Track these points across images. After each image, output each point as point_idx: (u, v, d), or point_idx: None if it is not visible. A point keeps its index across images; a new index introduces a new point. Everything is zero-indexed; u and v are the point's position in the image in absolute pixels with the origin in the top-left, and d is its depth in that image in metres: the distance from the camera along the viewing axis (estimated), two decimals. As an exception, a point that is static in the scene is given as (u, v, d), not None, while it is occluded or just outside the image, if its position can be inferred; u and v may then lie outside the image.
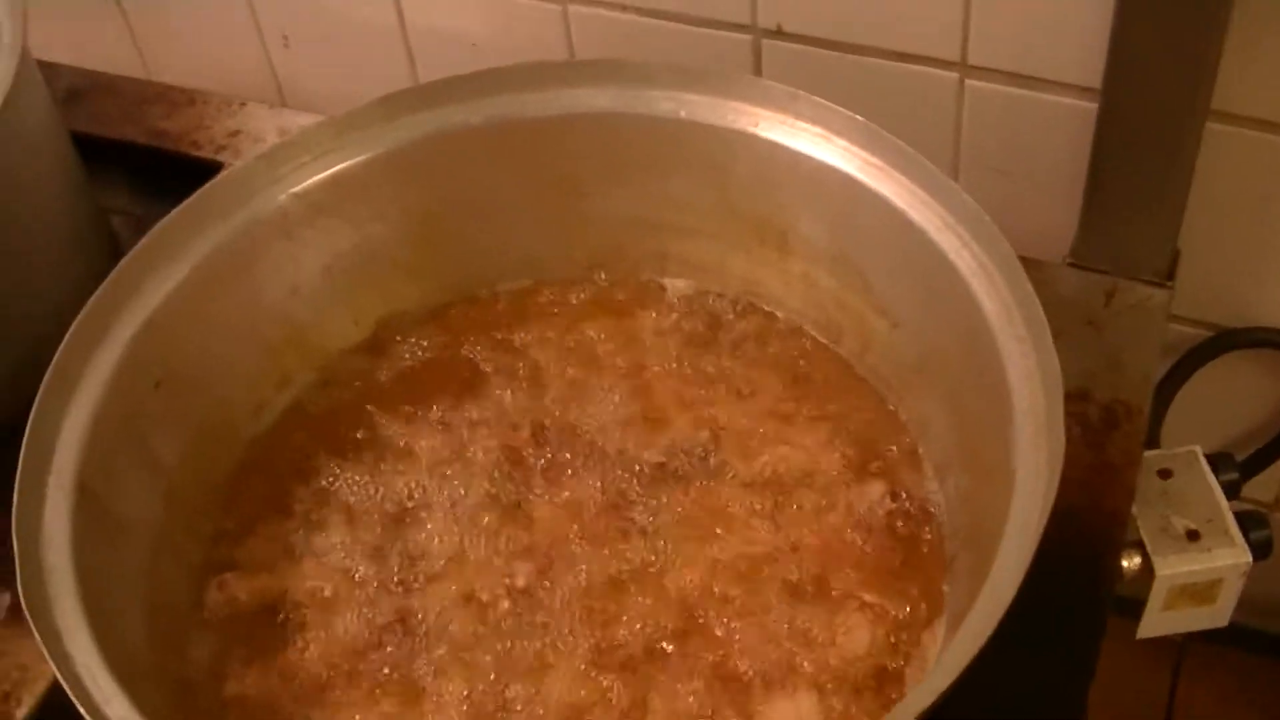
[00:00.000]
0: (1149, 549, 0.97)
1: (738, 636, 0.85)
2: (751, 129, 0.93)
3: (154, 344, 0.89)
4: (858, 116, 0.89)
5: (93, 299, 0.87)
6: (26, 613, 0.75)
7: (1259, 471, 1.15)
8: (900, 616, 0.86)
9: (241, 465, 0.96)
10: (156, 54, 1.28)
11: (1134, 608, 1.00)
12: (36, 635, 0.74)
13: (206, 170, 1.14)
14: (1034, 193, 1.04)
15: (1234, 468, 1.03)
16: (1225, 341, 1.07)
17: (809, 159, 0.92)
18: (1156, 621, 0.99)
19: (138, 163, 1.18)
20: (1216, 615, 1.00)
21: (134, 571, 0.85)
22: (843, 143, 0.91)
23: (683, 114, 0.95)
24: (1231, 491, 1.01)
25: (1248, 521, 0.99)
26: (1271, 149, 0.97)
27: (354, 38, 1.19)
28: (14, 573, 0.76)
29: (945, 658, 0.72)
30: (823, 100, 0.90)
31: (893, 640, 0.85)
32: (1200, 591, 0.98)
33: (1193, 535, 0.98)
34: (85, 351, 0.86)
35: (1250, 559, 0.97)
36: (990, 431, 0.84)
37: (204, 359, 0.93)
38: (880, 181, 0.90)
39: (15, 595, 0.76)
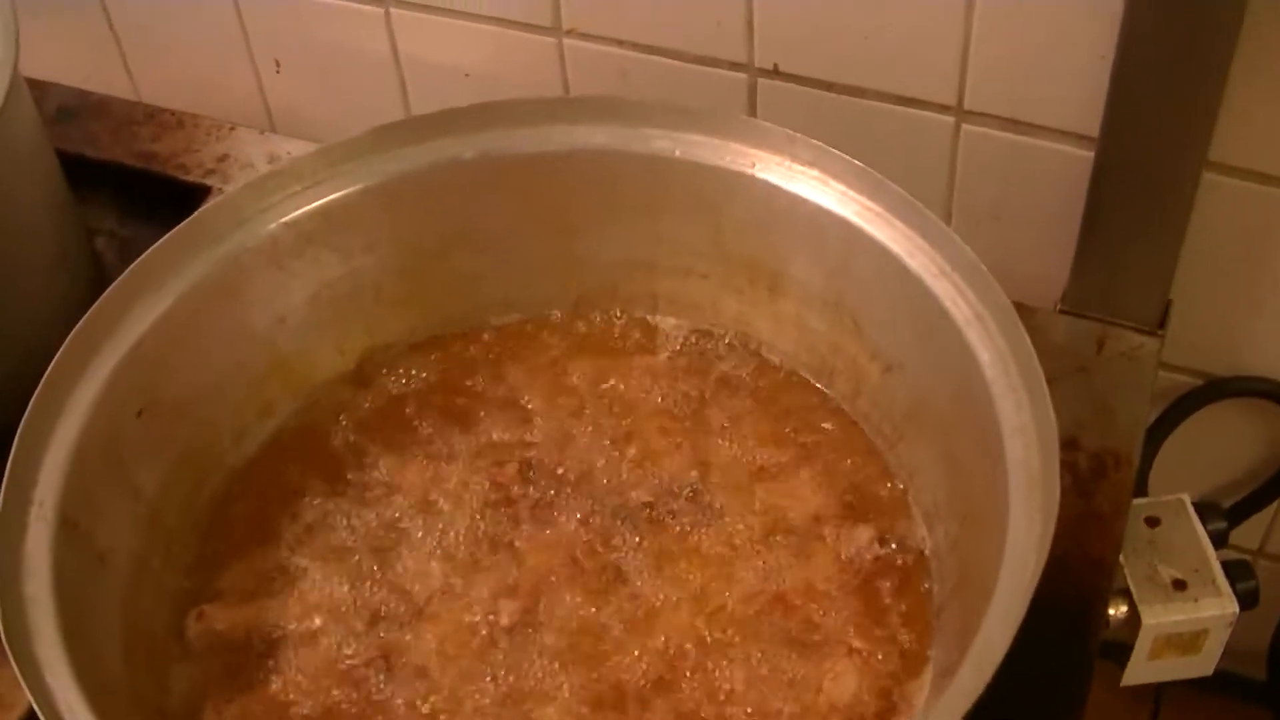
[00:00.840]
0: (1135, 598, 0.97)
1: (725, 681, 0.85)
2: (748, 170, 0.93)
3: (138, 373, 0.88)
4: (856, 161, 0.89)
5: (78, 327, 0.86)
6: (6, 646, 0.74)
7: (1244, 519, 1.15)
8: (888, 664, 0.85)
9: (222, 494, 0.94)
10: (147, 75, 1.27)
11: (1117, 652, 1.00)
12: (16, 669, 0.73)
13: (194, 193, 1.14)
14: (1026, 238, 1.04)
15: (1221, 516, 1.02)
16: (1214, 390, 1.07)
17: (806, 202, 0.92)
18: (1141, 670, 0.99)
19: (125, 184, 1.17)
20: (1201, 664, 1.00)
21: (113, 602, 0.84)
22: (840, 187, 0.91)
23: (678, 153, 0.94)
24: (1219, 540, 1.01)
25: (1235, 571, 0.99)
26: (1264, 200, 0.97)
27: (346, 66, 1.18)
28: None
29: (935, 715, 0.71)
30: (821, 144, 0.90)
31: (880, 688, 0.85)
32: (1186, 641, 0.98)
33: (1179, 585, 0.98)
34: (69, 380, 0.85)
35: (1237, 609, 0.97)
36: (981, 482, 0.84)
37: (187, 388, 0.92)
38: (877, 227, 0.89)
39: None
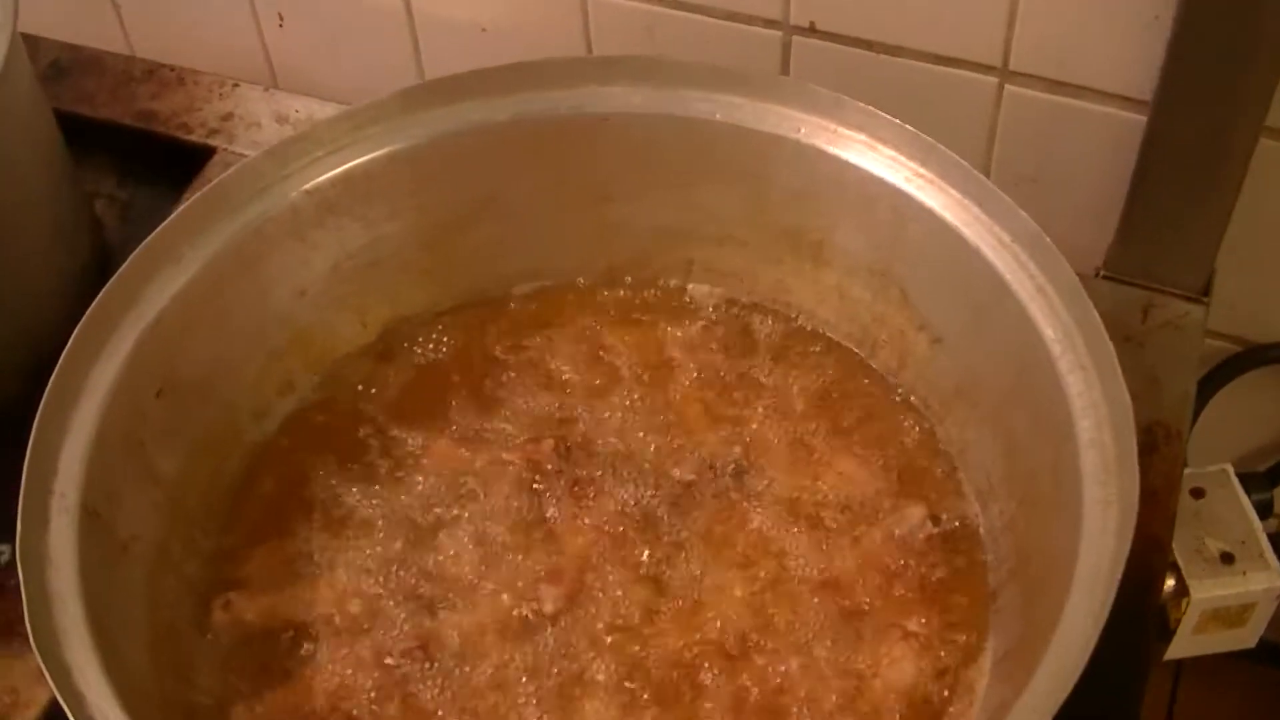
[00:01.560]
0: (1183, 571, 0.95)
1: (779, 666, 0.82)
2: (793, 135, 0.89)
3: (157, 351, 0.84)
4: (908, 126, 0.86)
5: (94, 304, 0.82)
6: (34, 647, 0.70)
7: (1277, 485, 1.13)
8: (945, 648, 0.83)
9: (243, 477, 0.91)
10: (142, 29, 1.21)
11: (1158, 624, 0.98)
12: (46, 674, 0.69)
13: (198, 154, 1.09)
14: (1065, 202, 1.01)
15: (1266, 486, 1.01)
16: (1254, 357, 1.05)
17: (853, 168, 0.88)
18: (1186, 644, 0.98)
19: (124, 144, 1.11)
20: (1246, 636, 0.99)
21: (138, 595, 0.81)
22: (890, 152, 0.87)
23: (719, 117, 0.90)
24: (1264, 510, 0.99)
25: (1282, 543, 0.97)
26: (1315, 165, 0.95)
27: (354, 20, 1.13)
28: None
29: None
30: (870, 107, 0.87)
31: (937, 673, 0.82)
32: (1233, 615, 0.96)
33: (1227, 558, 0.96)
34: (86, 362, 0.81)
35: (1285, 582, 0.96)
36: (1043, 462, 0.82)
37: (207, 365, 0.88)
38: (930, 195, 0.86)
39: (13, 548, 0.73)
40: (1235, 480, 0.99)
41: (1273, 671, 1.09)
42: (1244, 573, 0.96)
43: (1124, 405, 0.75)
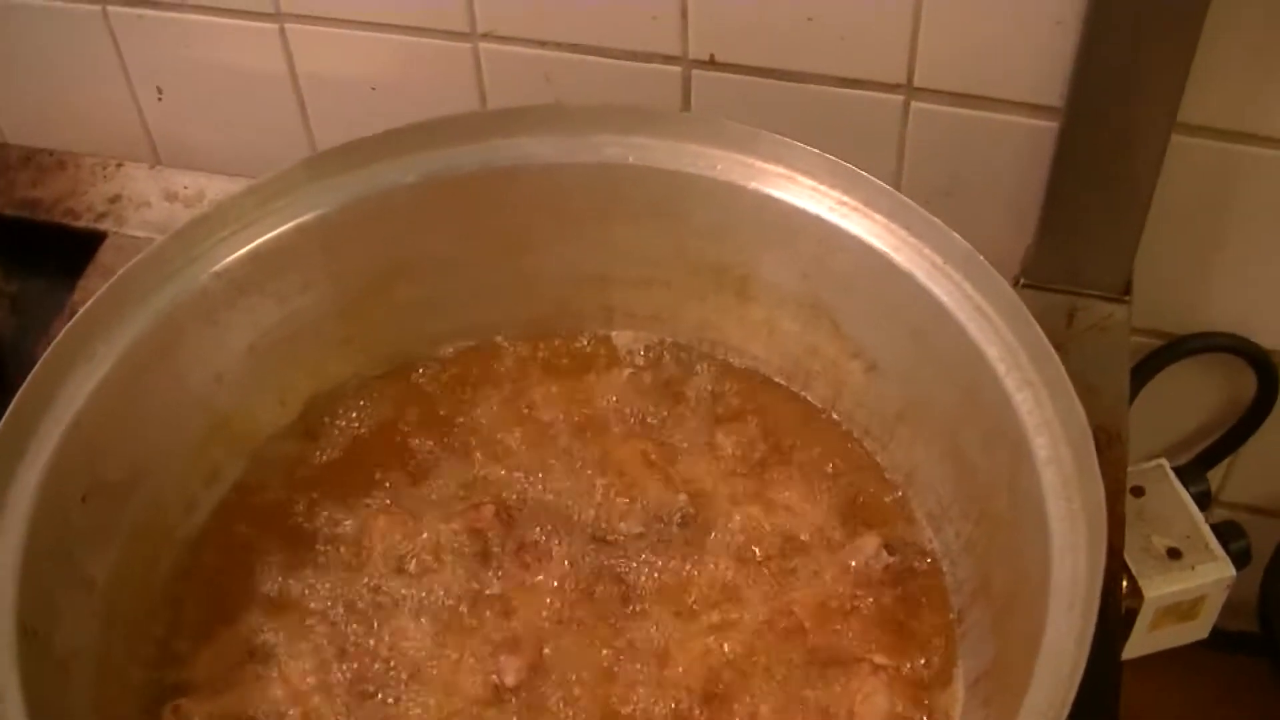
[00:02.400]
0: (1134, 571, 0.95)
1: (753, 714, 0.80)
2: (709, 172, 0.88)
3: (79, 455, 0.79)
4: (828, 155, 0.85)
5: (9, 412, 0.77)
6: (-11, 790, 0.67)
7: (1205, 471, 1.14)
8: (916, 677, 0.82)
9: (178, 573, 0.87)
10: (13, 112, 1.16)
11: (1106, 626, 0.98)
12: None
13: (88, 240, 1.05)
14: (979, 213, 1.00)
15: (1201, 478, 1.01)
16: (1176, 349, 1.05)
17: (774, 200, 0.87)
18: (1141, 642, 0.98)
19: (6, 235, 1.07)
20: (1199, 629, 0.99)
21: (84, 710, 0.76)
22: (810, 182, 0.86)
23: (631, 159, 0.89)
24: (1202, 502, 1.00)
25: (1226, 533, 0.98)
26: (1224, 156, 0.95)
27: (237, 88, 1.09)
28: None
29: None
30: (787, 139, 0.86)
31: (912, 703, 0.81)
32: (1185, 609, 0.97)
33: (1174, 553, 0.97)
34: (5, 474, 0.76)
35: (1233, 572, 0.96)
36: (998, 481, 0.81)
37: (130, 463, 0.84)
38: (855, 223, 0.85)
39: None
40: (1172, 475, 1.00)
41: (1221, 657, 1.10)
42: (1193, 567, 0.96)
43: (1078, 418, 0.75)
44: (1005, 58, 0.93)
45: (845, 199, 0.86)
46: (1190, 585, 0.95)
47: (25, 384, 0.78)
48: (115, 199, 1.07)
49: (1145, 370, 1.05)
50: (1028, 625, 0.73)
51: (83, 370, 0.81)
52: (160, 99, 1.09)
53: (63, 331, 0.81)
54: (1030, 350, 0.78)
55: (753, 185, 0.87)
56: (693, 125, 0.88)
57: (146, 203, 1.06)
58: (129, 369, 0.82)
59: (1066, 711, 0.66)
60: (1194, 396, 1.09)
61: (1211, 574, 0.95)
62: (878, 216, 0.85)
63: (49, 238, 1.07)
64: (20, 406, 0.78)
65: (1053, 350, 0.77)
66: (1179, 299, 1.04)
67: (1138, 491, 0.98)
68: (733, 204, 0.88)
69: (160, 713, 0.81)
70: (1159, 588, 0.94)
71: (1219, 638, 1.03)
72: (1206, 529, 0.97)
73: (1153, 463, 1.00)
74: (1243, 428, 1.08)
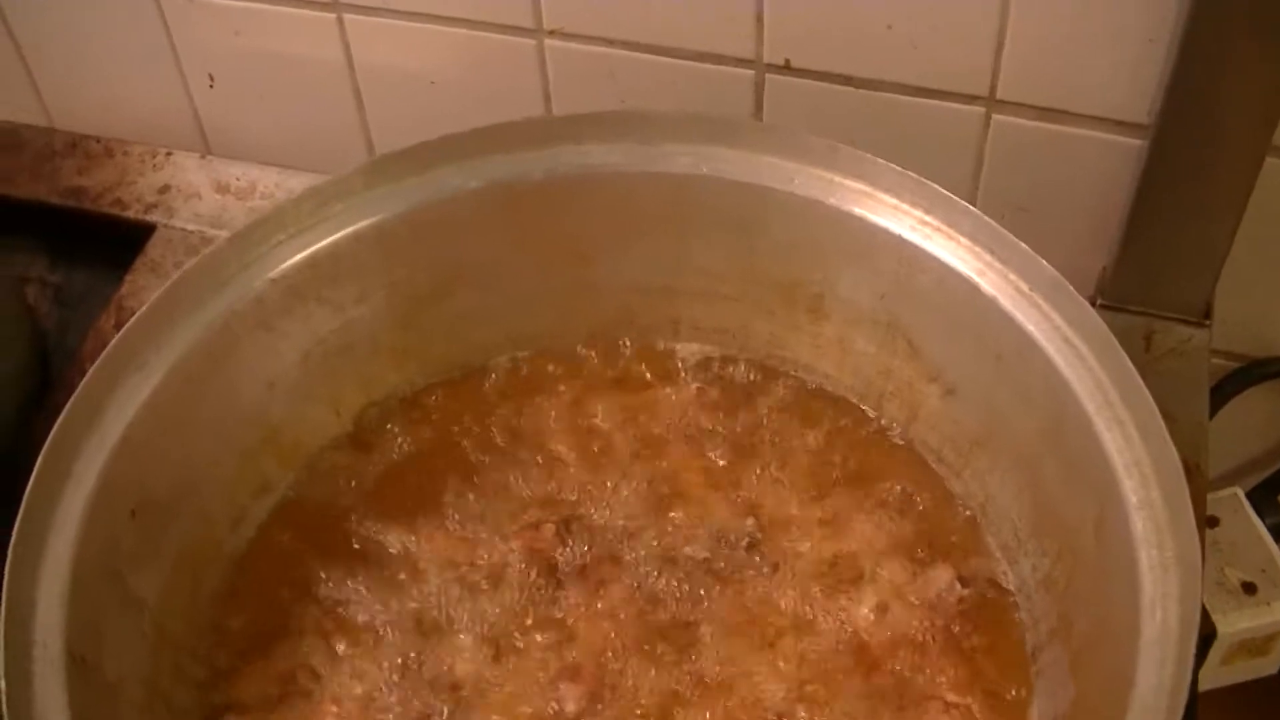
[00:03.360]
0: (1208, 606, 0.92)
1: (821, 750, 0.78)
2: (786, 186, 0.84)
3: (127, 470, 0.77)
4: (910, 172, 0.81)
5: (55, 431, 0.74)
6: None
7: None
8: (988, 716, 0.79)
9: (227, 590, 0.84)
10: (60, 98, 1.13)
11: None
12: None
13: (136, 232, 1.02)
14: (1056, 230, 0.97)
15: (1276, 509, 0.98)
16: (1253, 372, 1.02)
17: (853, 217, 0.84)
18: (1212, 676, 0.95)
19: (52, 224, 1.04)
20: (1271, 664, 0.96)
21: (132, 738, 0.74)
22: (892, 200, 0.83)
23: (704, 170, 0.85)
24: (1278, 533, 0.97)
25: (1301, 568, 0.95)
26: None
27: (291, 76, 1.06)
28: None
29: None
30: (867, 154, 0.82)
31: (984, 744, 0.79)
32: (1258, 644, 0.94)
33: (1249, 588, 0.94)
34: (54, 489, 0.74)
35: (1309, 608, 0.94)
36: (1082, 519, 0.78)
37: (179, 476, 0.81)
38: (938, 244, 0.82)
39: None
40: (1248, 505, 0.97)
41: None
42: (1268, 603, 0.93)
43: (1171, 463, 0.72)
44: (1093, 72, 0.89)
45: (927, 218, 0.82)
46: (1265, 621, 0.92)
47: (74, 398, 0.75)
48: (165, 189, 1.04)
49: (1221, 393, 1.02)
50: (1113, 673, 0.70)
51: (133, 380, 0.78)
52: (212, 87, 1.06)
53: (114, 340, 0.78)
54: (1120, 386, 0.75)
55: (831, 201, 0.84)
56: (770, 137, 0.85)
57: (197, 194, 1.03)
58: (181, 378, 0.80)
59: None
60: (1266, 421, 1.06)
61: (1288, 611, 0.93)
62: (961, 238, 0.81)
63: (96, 228, 1.04)
64: (68, 421, 0.75)
65: (1144, 387, 0.74)
66: (1258, 322, 1.01)
67: (1212, 522, 0.95)
68: (809, 219, 0.85)
69: (209, 734, 0.80)
70: (1233, 624, 0.92)
71: (1290, 672, 1.00)
72: (1283, 564, 0.94)
73: (1227, 491, 0.97)
74: (1318, 454, 1.05)
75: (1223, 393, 1.01)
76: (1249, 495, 0.99)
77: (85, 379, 0.76)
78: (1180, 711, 0.66)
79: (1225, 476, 1.07)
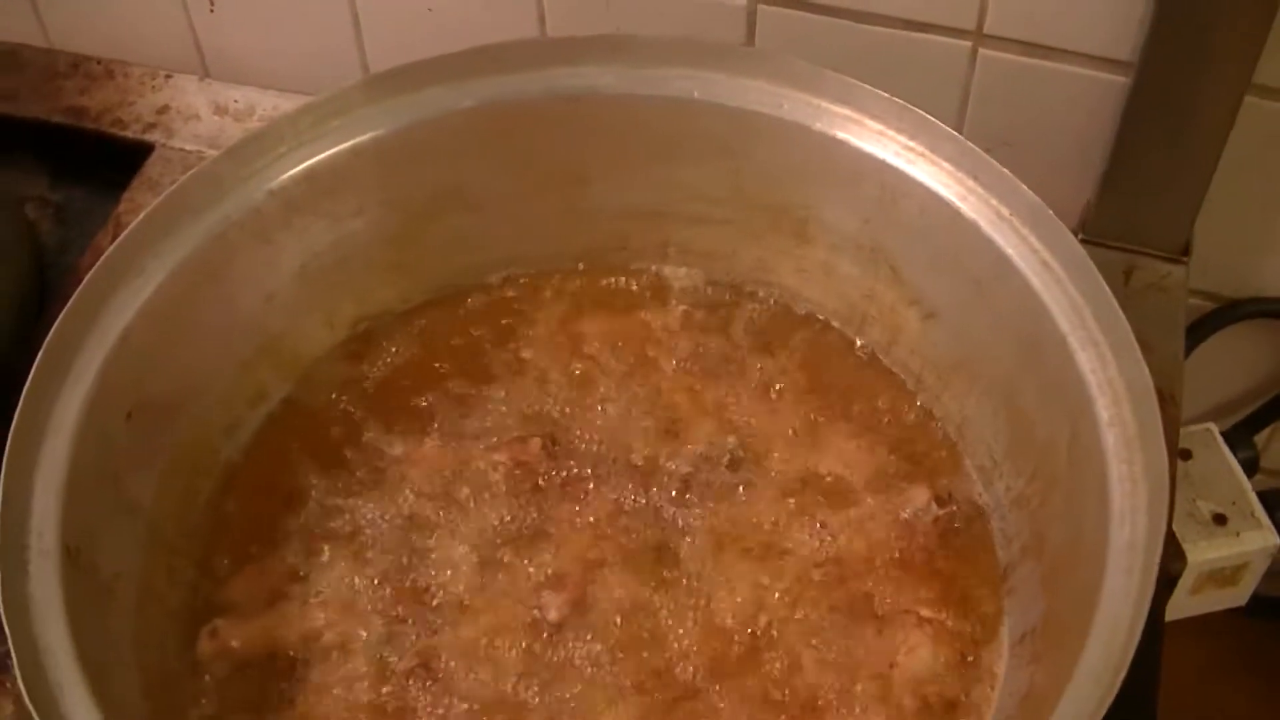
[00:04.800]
0: (1179, 535, 0.94)
1: (794, 661, 0.80)
2: (775, 111, 0.86)
3: (125, 372, 0.78)
4: (896, 99, 0.83)
5: (54, 329, 0.76)
6: (30, 706, 0.66)
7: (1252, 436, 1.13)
8: (961, 631, 0.81)
9: (220, 494, 0.86)
10: (60, 19, 1.13)
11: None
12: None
13: (135, 151, 1.04)
14: (1038, 164, 0.96)
15: (1249, 444, 1.00)
16: (1230, 313, 1.04)
17: (839, 143, 0.85)
18: (1181, 605, 0.97)
19: (53, 143, 1.06)
20: (1238, 595, 0.99)
21: (126, 636, 0.76)
22: (877, 126, 0.85)
23: (697, 94, 0.87)
24: (1249, 468, 0.99)
25: (1272, 501, 0.97)
26: (1294, 118, 0.94)
27: (290, 1, 1.07)
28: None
29: (1070, 704, 0.67)
30: (855, 80, 0.84)
31: (956, 657, 0.81)
32: (1227, 575, 0.96)
33: (1219, 519, 0.96)
34: (52, 390, 0.76)
35: (1277, 540, 0.96)
36: (1056, 438, 0.80)
37: (176, 381, 0.83)
38: (922, 169, 0.83)
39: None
40: (1220, 440, 0.99)
41: (1259, 624, 1.09)
42: (1238, 533, 0.96)
43: (1143, 382, 0.74)
44: (1078, 9, 0.91)
45: (911, 144, 0.84)
46: (1234, 552, 0.94)
47: (72, 300, 0.77)
48: (164, 110, 1.05)
49: (1198, 332, 1.04)
50: (1081, 586, 0.72)
51: (132, 285, 0.80)
52: (212, 10, 1.07)
53: (112, 246, 0.79)
54: (1095, 308, 0.77)
55: (818, 126, 0.85)
56: (760, 62, 0.86)
57: (196, 115, 1.05)
58: (179, 285, 0.81)
59: (1123, 675, 0.66)
60: (1245, 361, 1.08)
61: (1255, 542, 0.94)
62: (944, 164, 0.83)
63: (95, 147, 1.05)
64: (67, 322, 0.77)
65: (1119, 309, 0.75)
66: (1236, 263, 1.03)
67: (1185, 454, 0.97)
68: (797, 144, 0.86)
69: (198, 635, 0.81)
70: (1203, 553, 0.94)
71: (1256, 603, 1.02)
72: (1253, 496, 0.96)
73: (1201, 426, 0.99)
74: (1291, 395, 1.07)
75: (1201, 332, 1.03)
76: (1225, 435, 1.01)
77: (85, 281, 0.78)
78: (1144, 616, 0.68)
79: (1203, 416, 1.09)
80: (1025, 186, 0.80)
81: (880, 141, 0.85)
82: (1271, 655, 1.14)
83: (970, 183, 0.82)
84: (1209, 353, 1.05)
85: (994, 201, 0.81)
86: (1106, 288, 0.76)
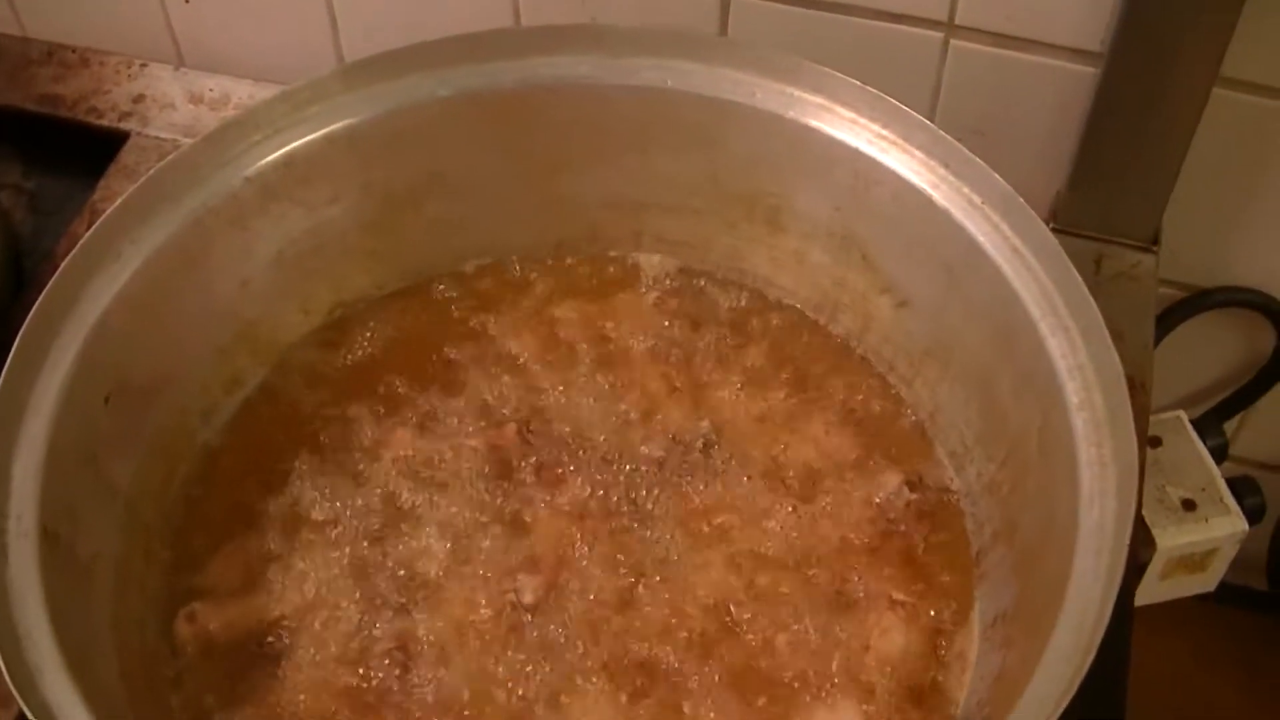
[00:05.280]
0: (1148, 521, 0.96)
1: (767, 644, 0.81)
2: (748, 100, 0.87)
3: (103, 354, 0.79)
4: (869, 87, 0.84)
5: (33, 313, 0.77)
6: (12, 688, 0.66)
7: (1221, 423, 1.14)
8: (933, 614, 0.82)
9: (198, 478, 0.87)
10: (34, 7, 1.13)
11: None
12: (29, 715, 0.65)
13: (110, 140, 1.04)
14: (1009, 154, 0.98)
15: (1218, 432, 1.02)
16: (1200, 302, 1.05)
17: (812, 131, 0.86)
18: (1151, 591, 0.98)
19: (27, 131, 1.06)
20: (1207, 581, 1.00)
21: (104, 618, 0.76)
22: (849, 114, 0.86)
23: (670, 84, 0.88)
24: (1218, 455, 1.00)
25: (1241, 488, 0.98)
26: (1264, 113, 0.95)
27: (266, -11, 1.08)
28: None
29: (1040, 686, 0.68)
30: (828, 69, 0.85)
31: (929, 641, 0.81)
32: (1196, 560, 0.97)
33: (1188, 505, 0.97)
34: (31, 372, 0.76)
35: (1246, 526, 0.97)
36: (1028, 424, 0.81)
37: (154, 366, 0.83)
38: (894, 157, 0.84)
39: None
40: (1190, 427, 1.00)
41: (1227, 611, 1.10)
42: (1206, 519, 0.97)
43: (1112, 365, 0.75)
44: (1049, 1, 0.92)
45: (884, 132, 0.85)
46: (1202, 537, 0.95)
47: (51, 283, 0.77)
48: (139, 99, 1.05)
49: (1168, 321, 1.05)
50: (1052, 570, 0.73)
51: (110, 270, 0.80)
52: (188, 1, 1.08)
53: (90, 231, 0.80)
54: (1066, 295, 0.78)
55: (790, 115, 0.86)
56: (733, 51, 0.87)
57: (171, 104, 1.05)
58: (156, 271, 0.82)
59: (1091, 656, 0.67)
60: (1214, 350, 1.09)
61: (1224, 528, 0.96)
62: (916, 152, 0.84)
63: (70, 136, 1.05)
64: (45, 306, 0.77)
65: (1089, 295, 0.76)
66: (1206, 252, 1.04)
67: (1155, 442, 0.99)
68: (769, 133, 0.87)
69: (176, 617, 0.82)
70: (1172, 538, 0.95)
71: (1226, 591, 1.03)
72: (1222, 482, 0.97)
73: (1171, 414, 1.00)
74: (1260, 383, 1.08)
75: (1171, 320, 1.04)
76: (1195, 423, 1.02)
77: (63, 265, 0.79)
78: (1113, 598, 0.69)
79: (1174, 405, 1.10)
80: (997, 175, 0.81)
81: (853, 130, 0.86)
82: (1244, 644, 1.16)
83: (942, 171, 0.83)
84: (1180, 341, 1.06)
85: (965, 189, 0.82)
86: (1077, 274, 0.77)
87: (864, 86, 0.84)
